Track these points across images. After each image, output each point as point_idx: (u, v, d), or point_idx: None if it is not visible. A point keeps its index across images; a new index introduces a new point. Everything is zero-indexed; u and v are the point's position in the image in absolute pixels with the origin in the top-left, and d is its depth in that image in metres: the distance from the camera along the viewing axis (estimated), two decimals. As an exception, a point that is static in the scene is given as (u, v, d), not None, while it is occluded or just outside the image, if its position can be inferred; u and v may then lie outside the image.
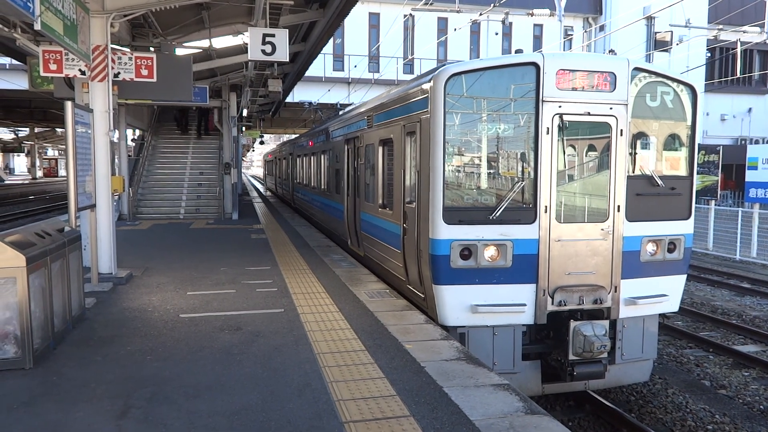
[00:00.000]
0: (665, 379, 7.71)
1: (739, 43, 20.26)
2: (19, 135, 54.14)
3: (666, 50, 28.13)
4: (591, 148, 6.47)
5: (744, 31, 20.18)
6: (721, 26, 21.28)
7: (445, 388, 4.32)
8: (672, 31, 28.35)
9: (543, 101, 6.07)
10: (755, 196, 16.70)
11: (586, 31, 31.39)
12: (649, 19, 29.14)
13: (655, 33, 29.92)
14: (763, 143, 31.36)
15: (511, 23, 21.58)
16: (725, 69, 32.68)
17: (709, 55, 30.98)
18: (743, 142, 32.65)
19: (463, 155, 6.23)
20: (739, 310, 11.23)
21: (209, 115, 19.91)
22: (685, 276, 6.85)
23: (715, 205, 17.86)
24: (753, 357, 8.47)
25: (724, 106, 33.02)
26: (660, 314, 6.89)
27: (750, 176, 16.87)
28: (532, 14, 17.47)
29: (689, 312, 10.79)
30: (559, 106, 6.11)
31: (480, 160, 6.26)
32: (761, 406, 7.01)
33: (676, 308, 6.87)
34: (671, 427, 6.54)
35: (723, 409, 6.89)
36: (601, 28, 30.64)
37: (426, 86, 6.30)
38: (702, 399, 7.15)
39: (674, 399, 7.15)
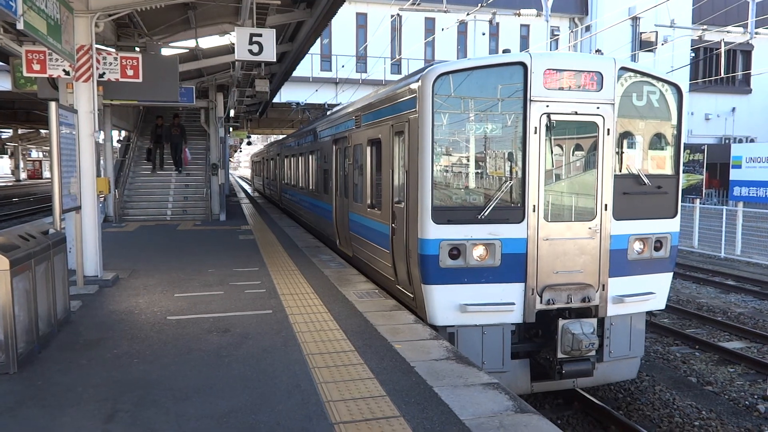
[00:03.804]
0: (652, 377, 7.78)
1: (722, 44, 20.50)
2: (3, 136, 53.45)
3: (651, 50, 28.40)
4: (578, 147, 6.51)
5: (728, 32, 20.44)
6: (705, 26, 21.51)
7: (435, 388, 4.32)
8: (657, 32, 28.62)
9: (531, 101, 6.09)
10: (739, 195, 16.90)
11: (572, 31, 31.62)
12: (635, 20, 29.41)
13: (640, 33, 30.20)
14: (746, 142, 31.78)
15: (498, 23, 21.67)
16: (709, 69, 33.05)
17: (693, 55, 31.30)
18: (727, 141, 33.04)
19: (451, 155, 6.24)
20: (724, 307, 11.36)
21: (183, 149, 18.67)
22: (671, 274, 6.90)
23: (700, 203, 18.06)
24: (738, 353, 8.57)
25: (709, 105, 33.41)
26: (647, 312, 6.95)
27: (734, 175, 17.07)
28: (519, 14, 17.57)
29: (675, 309, 10.89)
30: (547, 106, 6.14)
31: (468, 160, 6.28)
32: (747, 402, 7.09)
33: (662, 306, 6.93)
34: (659, 423, 6.60)
35: (709, 405, 6.96)
36: (587, 28, 30.87)
37: (414, 86, 6.30)
38: (689, 395, 7.22)
39: (661, 396, 7.21)
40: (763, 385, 7.50)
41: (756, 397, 7.23)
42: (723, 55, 20.43)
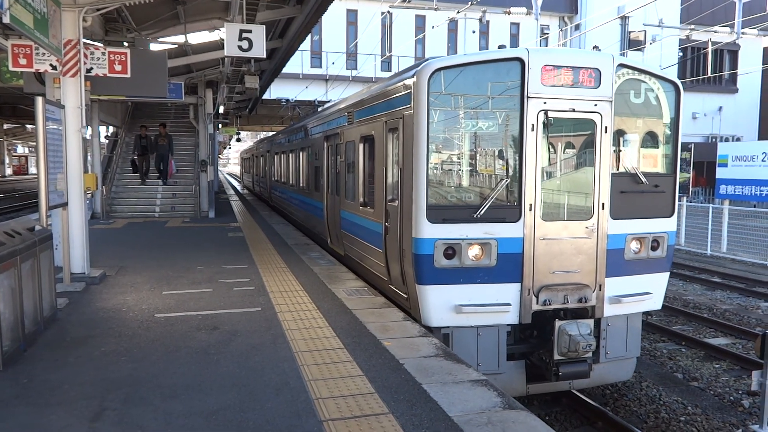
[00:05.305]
0: (639, 373, 7.84)
1: (710, 43, 20.68)
2: (-12, 131, 52.77)
3: (640, 49, 28.58)
4: (575, 145, 6.41)
5: (715, 31, 20.62)
6: (692, 26, 21.68)
7: (424, 385, 4.33)
8: (645, 31, 28.82)
9: (528, 97, 5.97)
10: (725, 193, 17.09)
11: (561, 30, 31.74)
12: (624, 19, 29.56)
13: (629, 32, 30.37)
14: (733, 141, 32.09)
15: (488, 21, 21.66)
16: (697, 68, 33.33)
17: (681, 54, 31.52)
18: (714, 140, 33.34)
19: (446, 152, 6.12)
20: (709, 304, 11.48)
21: (169, 160, 17.93)
22: (668, 274, 6.80)
23: (687, 201, 18.23)
24: (723, 349, 8.67)
25: (696, 104, 33.66)
26: (643, 312, 6.89)
27: (720, 173, 17.27)
28: (509, 13, 17.61)
29: (662, 307, 10.97)
30: (544, 103, 6.02)
31: (464, 158, 6.17)
32: (732, 397, 7.17)
33: (659, 306, 6.84)
34: (645, 419, 6.65)
35: (695, 400, 7.04)
36: (577, 26, 31.00)
37: (409, 81, 6.18)
38: (675, 391, 7.29)
39: (648, 392, 7.27)
40: (748, 381, 7.59)
41: (741, 392, 7.31)
42: (710, 54, 20.61)
